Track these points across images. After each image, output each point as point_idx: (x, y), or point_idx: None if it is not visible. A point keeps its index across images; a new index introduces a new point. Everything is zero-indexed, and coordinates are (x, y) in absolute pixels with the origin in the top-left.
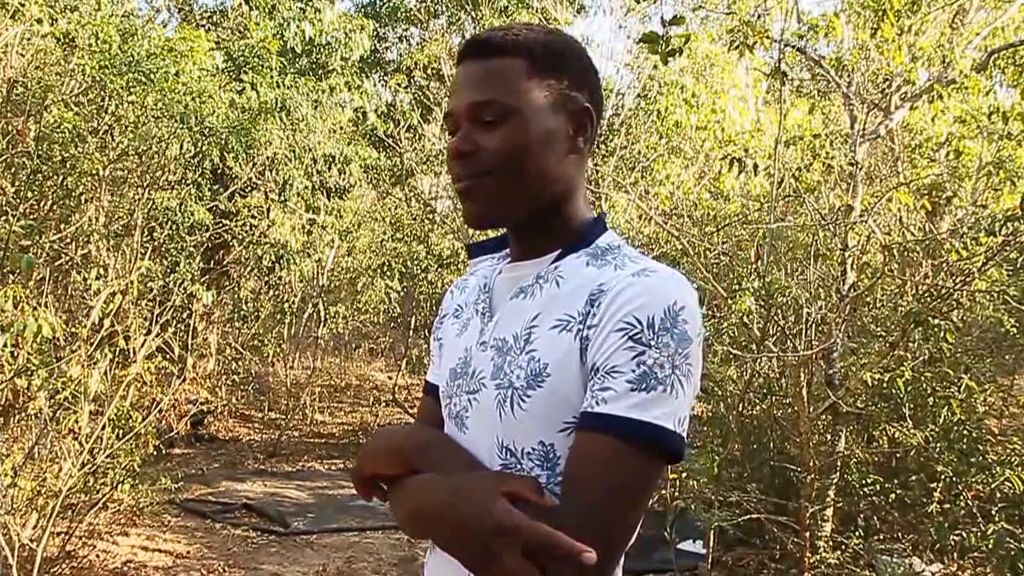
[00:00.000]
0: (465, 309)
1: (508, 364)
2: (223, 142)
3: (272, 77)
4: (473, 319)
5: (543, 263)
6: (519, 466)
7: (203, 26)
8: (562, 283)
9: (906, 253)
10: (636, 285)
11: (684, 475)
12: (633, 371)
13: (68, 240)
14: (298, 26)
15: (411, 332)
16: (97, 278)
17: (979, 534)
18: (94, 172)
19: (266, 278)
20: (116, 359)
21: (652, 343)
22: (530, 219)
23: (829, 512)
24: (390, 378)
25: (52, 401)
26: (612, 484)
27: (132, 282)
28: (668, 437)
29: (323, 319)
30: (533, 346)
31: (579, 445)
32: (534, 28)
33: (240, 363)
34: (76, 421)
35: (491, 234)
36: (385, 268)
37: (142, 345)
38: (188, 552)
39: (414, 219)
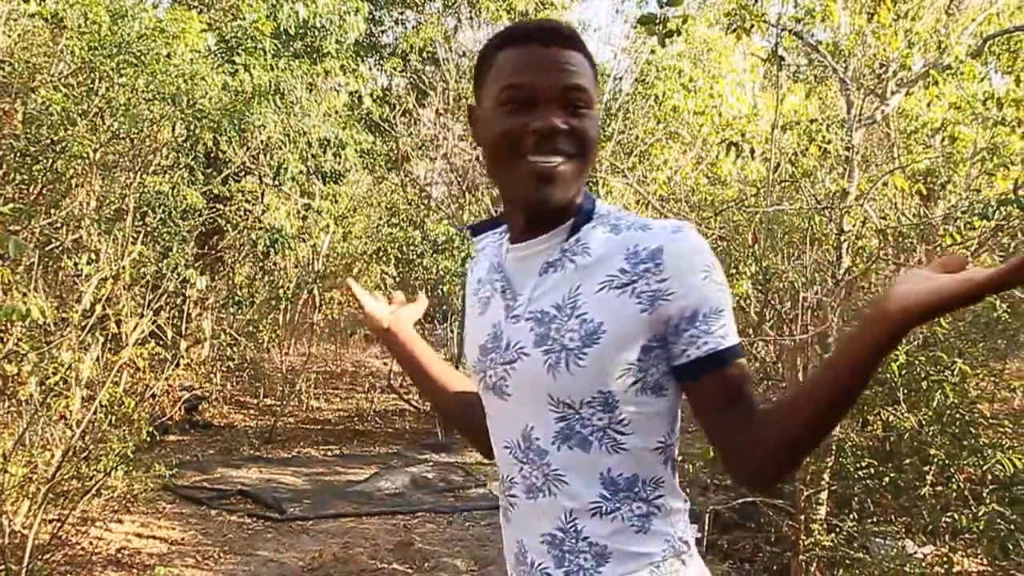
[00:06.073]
0: (482, 288)
1: (556, 331)
2: (216, 125)
3: (266, 59)
4: (494, 297)
5: (559, 237)
6: (578, 415)
7: (195, 7)
8: (592, 252)
9: (901, 238)
10: (683, 240)
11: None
12: (726, 304)
13: (58, 225)
14: (291, 8)
15: None
16: (88, 263)
17: (971, 516)
18: (84, 155)
19: (261, 263)
20: (108, 345)
21: (720, 280)
22: None
23: (824, 495)
24: (385, 364)
25: (43, 386)
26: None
27: (124, 267)
28: None
29: (318, 305)
30: (582, 310)
31: (737, 371)
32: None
33: (235, 349)
34: (67, 406)
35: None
36: (381, 253)
37: (134, 330)
38: (183, 539)
39: (409, 204)
